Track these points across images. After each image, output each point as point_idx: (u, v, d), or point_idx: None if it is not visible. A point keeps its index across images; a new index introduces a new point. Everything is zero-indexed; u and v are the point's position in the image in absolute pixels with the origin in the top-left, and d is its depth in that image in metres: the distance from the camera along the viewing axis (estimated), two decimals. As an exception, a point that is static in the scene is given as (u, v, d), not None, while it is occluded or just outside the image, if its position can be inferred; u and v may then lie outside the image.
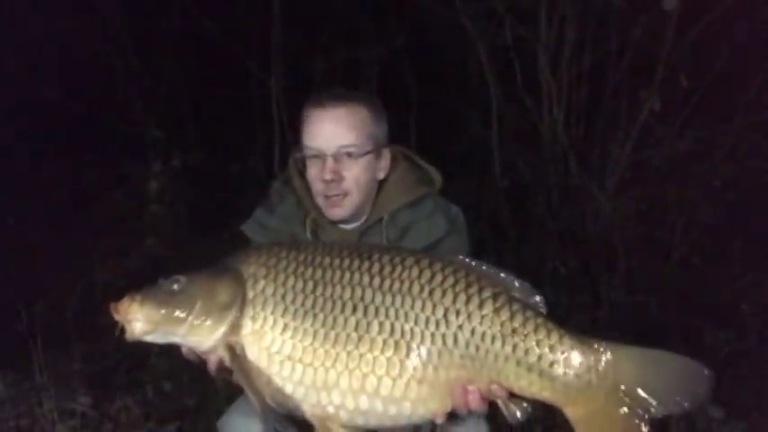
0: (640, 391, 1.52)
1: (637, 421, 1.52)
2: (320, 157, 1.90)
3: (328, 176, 1.88)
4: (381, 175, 2.00)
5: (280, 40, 5.73)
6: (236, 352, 1.58)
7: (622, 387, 1.52)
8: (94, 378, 3.98)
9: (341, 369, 1.55)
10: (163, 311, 1.58)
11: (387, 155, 2.00)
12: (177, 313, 1.59)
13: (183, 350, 1.66)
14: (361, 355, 1.55)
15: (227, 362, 1.60)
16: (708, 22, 4.40)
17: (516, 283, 1.62)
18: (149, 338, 1.61)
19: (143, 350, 4.40)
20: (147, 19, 5.87)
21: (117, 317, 1.58)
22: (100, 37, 5.78)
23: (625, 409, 1.52)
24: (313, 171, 1.92)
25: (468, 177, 5.25)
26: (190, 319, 1.59)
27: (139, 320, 1.57)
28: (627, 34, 4.71)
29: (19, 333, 3.76)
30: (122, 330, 1.59)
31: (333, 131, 1.89)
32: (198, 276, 1.65)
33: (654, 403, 1.51)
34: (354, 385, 1.55)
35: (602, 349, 1.53)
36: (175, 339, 1.62)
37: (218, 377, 1.65)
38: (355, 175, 1.91)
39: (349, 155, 1.90)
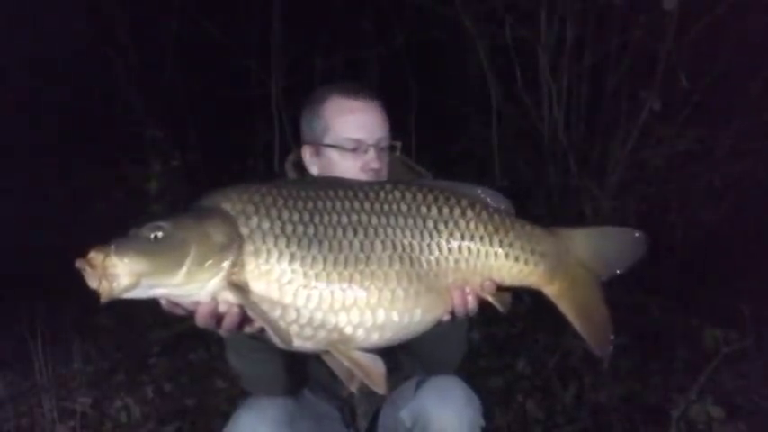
0: (595, 261, 1.84)
1: (597, 285, 1.83)
2: (359, 148, 1.95)
3: (376, 165, 1.96)
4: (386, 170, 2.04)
5: (280, 40, 5.73)
6: (243, 290, 1.53)
7: (581, 260, 1.83)
8: (94, 378, 3.98)
9: (357, 288, 1.62)
10: (150, 262, 1.46)
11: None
12: (170, 262, 1.48)
13: (164, 303, 1.55)
14: (372, 273, 1.63)
15: (233, 303, 1.54)
16: (708, 22, 4.39)
17: (487, 193, 1.81)
18: (128, 295, 1.47)
19: (143, 350, 4.43)
20: (148, 19, 5.87)
21: (90, 273, 1.42)
22: (100, 36, 5.78)
23: (587, 277, 1.82)
24: (348, 163, 1.96)
25: (468, 177, 5.24)
26: (185, 266, 1.49)
27: (120, 275, 1.43)
28: (627, 34, 4.70)
29: (19, 333, 3.77)
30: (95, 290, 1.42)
31: (375, 123, 1.98)
32: (182, 220, 1.55)
33: (606, 268, 1.84)
34: (372, 301, 1.62)
35: (563, 233, 1.83)
36: (161, 292, 1.51)
37: (207, 328, 1.58)
38: (387, 167, 2.01)
39: (381, 148, 1.98)
